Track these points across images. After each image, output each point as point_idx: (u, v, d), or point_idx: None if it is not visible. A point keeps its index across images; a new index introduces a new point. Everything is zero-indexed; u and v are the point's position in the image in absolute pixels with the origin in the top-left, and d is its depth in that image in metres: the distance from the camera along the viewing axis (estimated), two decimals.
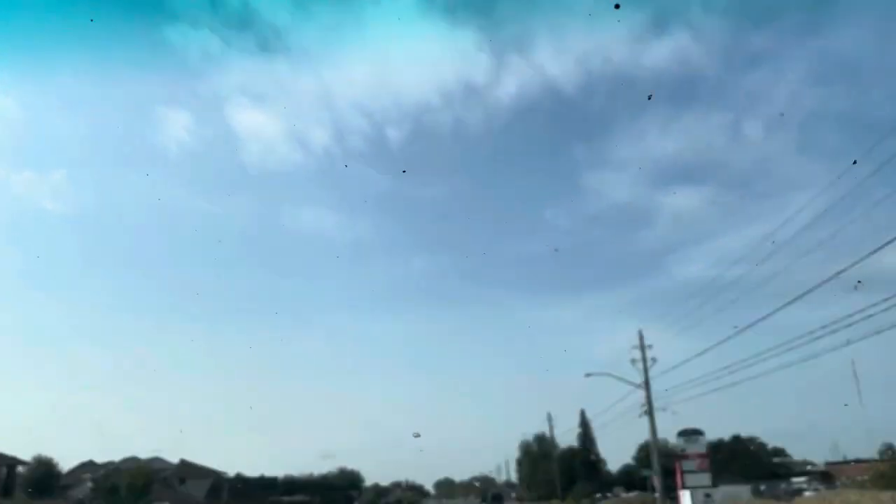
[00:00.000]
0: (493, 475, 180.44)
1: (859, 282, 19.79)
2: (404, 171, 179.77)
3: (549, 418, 69.39)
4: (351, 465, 78.53)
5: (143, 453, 58.23)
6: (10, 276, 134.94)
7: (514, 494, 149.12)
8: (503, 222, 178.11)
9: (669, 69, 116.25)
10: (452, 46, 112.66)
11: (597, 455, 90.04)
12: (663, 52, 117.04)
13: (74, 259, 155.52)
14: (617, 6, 24.92)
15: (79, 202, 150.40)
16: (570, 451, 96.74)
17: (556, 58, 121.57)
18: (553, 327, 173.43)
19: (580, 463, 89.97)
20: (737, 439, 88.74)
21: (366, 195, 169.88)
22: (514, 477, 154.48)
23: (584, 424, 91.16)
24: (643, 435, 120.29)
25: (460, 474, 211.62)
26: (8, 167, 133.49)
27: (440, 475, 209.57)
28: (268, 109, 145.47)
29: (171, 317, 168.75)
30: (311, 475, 69.77)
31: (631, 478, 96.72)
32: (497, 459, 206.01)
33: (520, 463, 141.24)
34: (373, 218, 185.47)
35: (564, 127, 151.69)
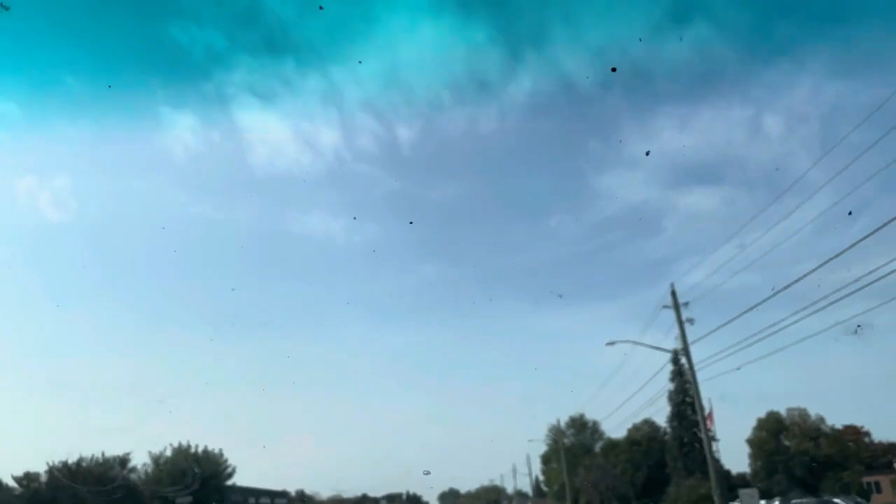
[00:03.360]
0: (508, 482, 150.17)
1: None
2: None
3: (675, 299, 26.51)
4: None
5: None
6: (11, 286, 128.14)
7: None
8: (514, 225, 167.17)
9: (689, 62, 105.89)
10: (465, 41, 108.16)
11: (708, 431, 48.08)
12: (682, 45, 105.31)
13: (76, 268, 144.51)
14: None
15: (81, 209, 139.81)
16: (650, 429, 55.35)
17: (572, 52, 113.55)
18: (561, 335, 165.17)
19: (680, 446, 48.32)
20: None
21: (374, 198, 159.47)
22: (527, 483, 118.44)
23: (681, 374, 49.35)
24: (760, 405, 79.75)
25: (469, 484, 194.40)
26: (9, 173, 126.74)
27: (447, 486, 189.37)
28: (275, 110, 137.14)
29: (175, 326, 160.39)
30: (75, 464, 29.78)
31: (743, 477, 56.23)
32: (511, 463, 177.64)
33: (546, 461, 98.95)
34: (381, 222, 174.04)
35: (579, 125, 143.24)
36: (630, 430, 55.36)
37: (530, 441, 67.08)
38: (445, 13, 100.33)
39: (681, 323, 24.90)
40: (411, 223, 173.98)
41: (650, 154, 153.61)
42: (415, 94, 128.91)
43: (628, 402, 45.56)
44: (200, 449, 33.76)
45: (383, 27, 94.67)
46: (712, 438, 48.15)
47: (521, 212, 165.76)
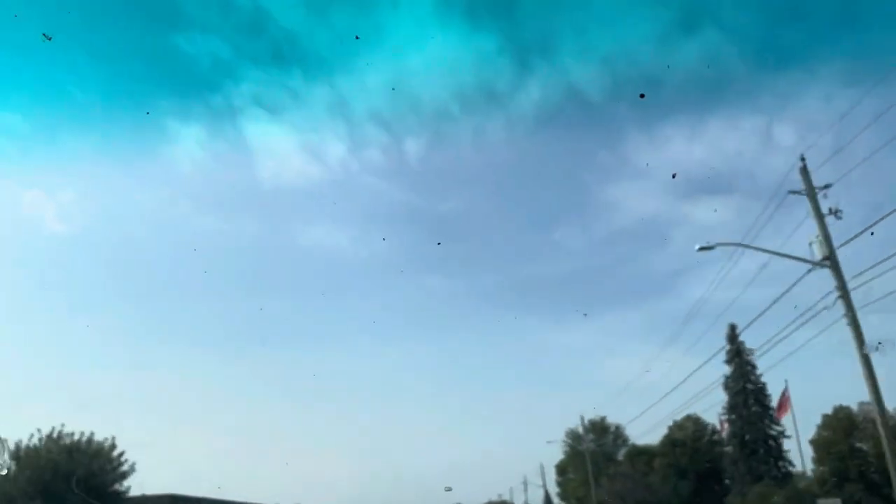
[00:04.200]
0: (518, 496, 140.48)
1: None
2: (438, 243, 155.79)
3: (807, 178, 16.60)
4: None
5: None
6: (18, 299, 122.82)
7: None
8: (523, 237, 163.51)
9: (698, 71, 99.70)
10: (473, 51, 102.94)
11: (777, 425, 37.81)
12: (691, 54, 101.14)
13: (82, 283, 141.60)
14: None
15: (87, 223, 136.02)
16: (696, 428, 45.26)
17: (581, 61, 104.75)
18: (568, 350, 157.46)
19: (741, 445, 38.13)
20: None
21: (382, 211, 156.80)
22: (540, 496, 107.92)
23: (739, 353, 39.25)
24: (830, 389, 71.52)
25: (475, 499, 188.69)
26: (16, 186, 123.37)
27: (454, 501, 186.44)
28: (282, 122, 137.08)
29: (179, 340, 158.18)
30: None
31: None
32: (522, 476, 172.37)
33: (562, 471, 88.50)
34: (389, 235, 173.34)
35: (587, 134, 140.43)
36: (671, 429, 45.22)
37: (549, 442, 57.18)
38: (453, 22, 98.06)
39: (819, 216, 15.11)
40: (439, 244, 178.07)
41: (650, 166, 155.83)
42: (422, 105, 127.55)
43: (670, 395, 35.31)
44: (85, 438, 23.96)
45: (391, 37, 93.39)
46: (782, 434, 38.03)
47: (529, 224, 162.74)
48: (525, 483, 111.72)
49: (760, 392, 37.90)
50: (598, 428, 73.43)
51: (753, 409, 37.91)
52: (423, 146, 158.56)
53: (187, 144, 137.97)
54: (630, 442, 71.01)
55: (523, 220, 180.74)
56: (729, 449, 39.21)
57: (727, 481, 40.87)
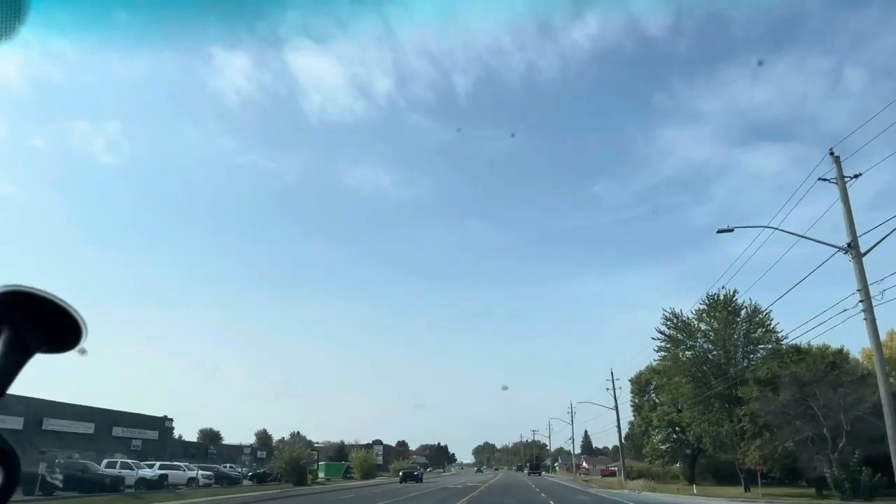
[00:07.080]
0: (560, 434, 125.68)
1: None
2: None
3: None
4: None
5: None
6: (62, 228, 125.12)
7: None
8: (567, 185, 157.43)
9: (768, 5, 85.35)
10: None
11: None
12: None
13: (125, 214, 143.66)
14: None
15: (135, 154, 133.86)
16: None
17: None
18: (608, 300, 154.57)
19: None
20: None
21: (427, 151, 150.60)
22: (608, 428, 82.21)
23: None
24: None
25: (506, 438, 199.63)
26: (64, 115, 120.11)
27: (482, 440, 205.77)
28: (329, 53, 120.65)
29: (212, 276, 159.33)
30: None
31: None
32: (556, 416, 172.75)
33: (641, 388, 60.00)
34: (432, 175, 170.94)
35: (645, 73, 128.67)
36: None
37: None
38: None
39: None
40: (513, 135, 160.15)
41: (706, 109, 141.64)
42: (473, 38, 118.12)
43: None
44: None
45: None
46: None
47: (576, 170, 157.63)
48: (571, 411, 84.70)
49: None
50: (721, 304, 43.69)
51: None
52: (472, 83, 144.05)
53: (233, 75, 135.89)
54: (785, 337, 41.69)
55: (570, 166, 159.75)
56: None
57: None
